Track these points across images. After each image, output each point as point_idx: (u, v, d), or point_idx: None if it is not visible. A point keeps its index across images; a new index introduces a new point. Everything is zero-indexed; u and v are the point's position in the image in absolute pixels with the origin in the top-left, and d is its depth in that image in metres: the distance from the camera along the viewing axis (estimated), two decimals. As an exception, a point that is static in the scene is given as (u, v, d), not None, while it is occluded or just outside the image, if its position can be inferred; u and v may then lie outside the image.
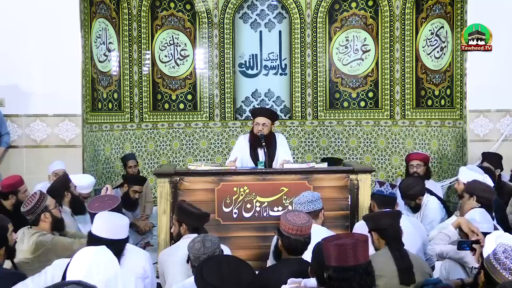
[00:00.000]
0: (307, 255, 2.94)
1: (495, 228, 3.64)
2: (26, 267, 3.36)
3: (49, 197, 3.73)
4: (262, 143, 4.84)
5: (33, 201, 3.58)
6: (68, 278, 2.23)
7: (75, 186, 4.55)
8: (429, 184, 5.38)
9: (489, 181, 4.60)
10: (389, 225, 3.06)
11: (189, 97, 7.42)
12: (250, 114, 6.37)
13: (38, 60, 5.68)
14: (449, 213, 4.73)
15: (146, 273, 3.18)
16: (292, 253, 3.00)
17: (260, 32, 7.51)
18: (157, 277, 3.66)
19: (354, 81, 7.42)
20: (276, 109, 7.51)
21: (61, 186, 4.28)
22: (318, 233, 3.24)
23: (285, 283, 2.71)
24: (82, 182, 4.86)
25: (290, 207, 4.41)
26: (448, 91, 6.55)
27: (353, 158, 7.29)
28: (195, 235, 3.30)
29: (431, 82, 6.80)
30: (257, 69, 7.53)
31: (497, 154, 5.58)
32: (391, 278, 2.90)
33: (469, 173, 4.55)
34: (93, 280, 2.14)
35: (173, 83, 7.35)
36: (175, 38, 7.33)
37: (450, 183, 6.19)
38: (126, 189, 5.62)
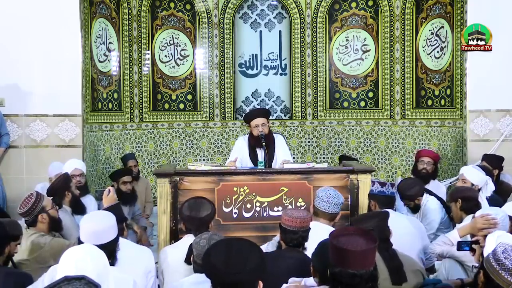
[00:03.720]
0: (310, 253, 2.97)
1: None
2: (24, 268, 3.36)
3: (46, 198, 3.71)
4: (262, 143, 4.84)
5: (29, 203, 3.56)
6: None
7: (79, 182, 4.55)
8: (433, 184, 5.38)
9: (491, 184, 4.63)
10: (375, 227, 3.04)
11: (189, 97, 7.43)
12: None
13: (38, 60, 5.68)
14: (449, 213, 4.72)
15: (148, 268, 3.18)
16: (290, 245, 3.11)
17: (260, 32, 7.51)
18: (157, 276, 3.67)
19: (354, 81, 7.43)
20: (276, 109, 7.52)
21: (61, 186, 4.28)
22: (325, 232, 3.30)
23: (284, 268, 2.78)
24: (73, 165, 4.87)
25: (290, 207, 4.41)
26: (448, 91, 6.55)
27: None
28: (191, 235, 3.31)
29: (431, 82, 6.80)
30: (257, 69, 7.53)
31: (498, 156, 5.56)
32: (383, 279, 2.89)
33: (474, 171, 4.58)
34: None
35: (173, 83, 7.35)
36: (175, 38, 7.33)
37: (450, 183, 6.19)
38: (117, 186, 5.55)
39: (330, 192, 3.67)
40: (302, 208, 4.37)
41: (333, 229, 3.50)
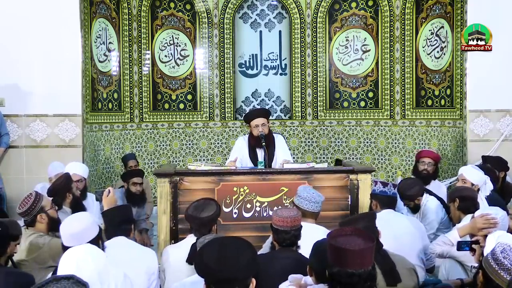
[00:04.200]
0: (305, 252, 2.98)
1: None
2: (23, 268, 3.36)
3: (45, 198, 3.71)
4: (262, 143, 4.84)
5: (29, 202, 3.55)
6: None
7: (77, 187, 4.54)
8: (434, 184, 5.38)
9: (489, 183, 4.63)
10: (363, 228, 2.99)
11: (189, 97, 7.43)
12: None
13: (38, 60, 5.68)
14: (449, 213, 4.72)
15: (151, 270, 3.19)
16: (283, 245, 3.10)
17: (260, 32, 7.51)
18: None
19: (354, 81, 7.43)
20: (276, 109, 7.52)
21: (63, 187, 4.26)
22: (316, 232, 3.33)
23: (279, 269, 2.79)
24: (73, 170, 4.85)
25: (290, 207, 4.41)
26: (448, 91, 6.55)
27: (353, 158, 7.30)
28: (192, 235, 3.33)
29: (431, 82, 6.80)
30: (257, 69, 7.53)
31: (500, 158, 5.55)
32: (378, 280, 2.88)
33: (473, 171, 4.59)
34: (84, 275, 2.14)
35: (173, 83, 7.35)
36: (175, 38, 7.33)
37: (450, 183, 6.19)
38: (127, 186, 5.57)
39: (312, 192, 3.71)
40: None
41: (324, 228, 3.55)
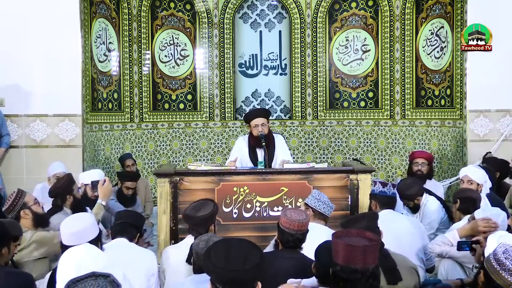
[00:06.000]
0: (308, 252, 2.97)
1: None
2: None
3: (28, 194, 3.73)
4: (262, 143, 4.84)
5: (10, 200, 3.61)
6: (58, 281, 2.24)
7: (78, 189, 4.54)
8: (431, 183, 5.39)
9: (488, 181, 4.64)
10: (364, 228, 2.99)
11: (189, 97, 7.43)
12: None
13: (38, 60, 5.69)
14: (449, 213, 4.73)
15: (151, 271, 3.19)
16: (286, 246, 3.08)
17: (260, 32, 7.51)
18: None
19: (354, 81, 7.43)
20: (276, 109, 7.52)
21: (64, 188, 4.26)
22: (321, 231, 3.34)
23: (281, 268, 2.79)
24: (94, 177, 4.84)
25: (290, 207, 4.41)
26: (448, 91, 6.55)
27: (353, 158, 7.29)
28: (190, 235, 3.33)
29: (431, 82, 6.80)
30: (257, 69, 7.53)
31: (498, 159, 5.55)
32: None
33: (476, 170, 4.59)
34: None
35: (173, 83, 7.35)
36: (175, 38, 7.33)
37: (450, 183, 6.20)
38: (120, 186, 5.60)
39: (327, 197, 3.75)
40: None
41: (332, 230, 3.54)
